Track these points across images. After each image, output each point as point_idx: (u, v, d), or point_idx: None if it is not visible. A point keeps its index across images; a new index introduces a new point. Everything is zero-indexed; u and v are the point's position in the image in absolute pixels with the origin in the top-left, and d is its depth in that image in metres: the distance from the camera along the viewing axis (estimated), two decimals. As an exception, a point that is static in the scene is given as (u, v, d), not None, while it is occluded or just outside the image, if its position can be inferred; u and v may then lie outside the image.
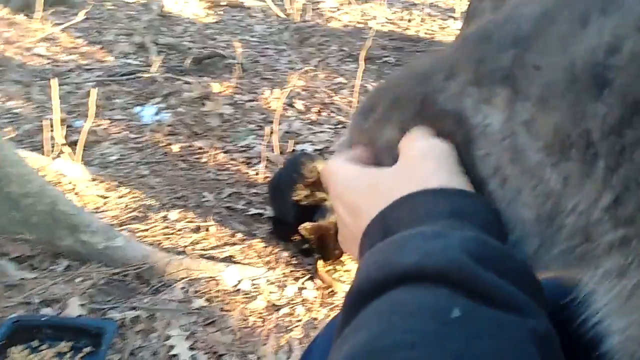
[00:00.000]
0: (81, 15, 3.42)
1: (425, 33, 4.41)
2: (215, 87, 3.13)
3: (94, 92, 2.33)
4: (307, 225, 1.79)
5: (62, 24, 3.88)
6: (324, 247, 1.86)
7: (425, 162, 0.42)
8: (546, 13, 0.38)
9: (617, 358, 0.35)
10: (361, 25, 4.50)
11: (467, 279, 0.31)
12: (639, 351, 0.34)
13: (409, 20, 4.71)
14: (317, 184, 1.91)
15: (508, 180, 0.39)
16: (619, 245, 0.34)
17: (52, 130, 2.28)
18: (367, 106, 0.53)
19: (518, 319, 0.30)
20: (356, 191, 0.46)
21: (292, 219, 1.92)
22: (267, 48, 3.96)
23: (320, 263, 1.90)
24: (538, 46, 0.37)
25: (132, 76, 3.27)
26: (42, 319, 1.43)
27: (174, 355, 1.46)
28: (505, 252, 0.35)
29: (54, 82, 2.26)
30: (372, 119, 0.50)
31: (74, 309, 1.51)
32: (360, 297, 0.33)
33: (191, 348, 1.49)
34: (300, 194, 1.90)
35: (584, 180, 0.35)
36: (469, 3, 2.98)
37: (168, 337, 1.51)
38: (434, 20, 4.72)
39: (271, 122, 2.57)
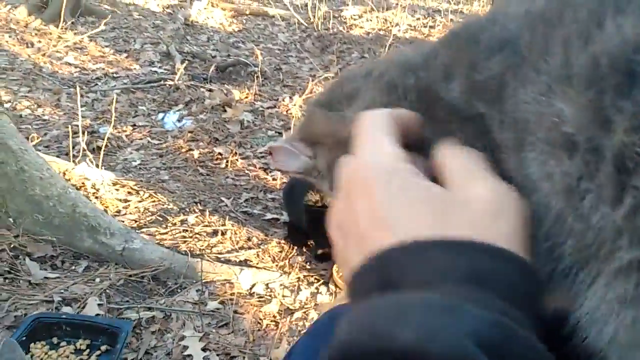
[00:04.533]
0: (102, 25, 3.52)
1: (448, 40, 4.39)
2: (237, 94, 3.18)
3: (115, 99, 2.40)
4: None
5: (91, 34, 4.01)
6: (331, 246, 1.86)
7: (496, 218, 0.33)
8: (539, 14, 0.37)
9: None
10: (383, 32, 4.51)
11: None
12: None
13: (432, 27, 4.71)
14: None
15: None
16: (628, 268, 0.30)
17: (77, 136, 2.35)
18: (345, 94, 0.49)
19: None
20: (402, 195, 0.35)
21: (305, 224, 1.93)
22: (289, 56, 4.01)
23: (335, 268, 1.91)
24: (536, 48, 0.36)
25: (157, 84, 3.36)
26: (62, 317, 1.48)
27: (188, 356, 1.49)
28: (526, 343, 0.28)
29: (79, 90, 2.34)
30: (357, 106, 0.46)
31: (93, 308, 1.56)
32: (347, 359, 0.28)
33: (204, 349, 1.51)
34: (312, 199, 1.92)
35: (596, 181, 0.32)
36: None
37: (182, 338, 1.53)
38: (457, 27, 4.70)
39: (290, 128, 2.60)
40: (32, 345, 1.40)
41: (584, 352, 0.33)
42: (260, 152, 2.65)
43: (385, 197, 0.35)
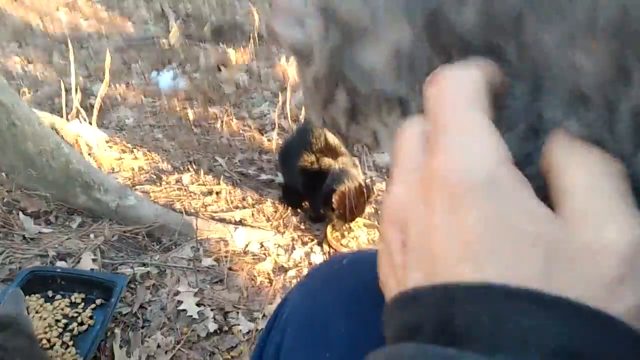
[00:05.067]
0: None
1: None
2: (232, 54, 3.13)
3: (109, 57, 2.36)
4: (336, 196, 1.79)
5: (82, -11, 3.91)
6: (343, 214, 1.86)
7: (626, 281, 0.24)
8: None
9: None
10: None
11: None
12: None
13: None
14: (324, 151, 1.92)
15: None
16: None
17: (70, 94, 2.32)
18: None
19: None
20: (502, 222, 0.25)
21: (300, 185, 1.93)
22: (286, 16, 3.93)
23: (329, 229, 1.92)
24: None
25: (150, 42, 3.29)
26: (57, 270, 1.48)
27: (182, 310, 1.50)
28: None
29: (72, 47, 2.29)
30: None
31: (87, 263, 1.57)
32: None
33: (199, 304, 1.53)
34: (307, 160, 1.91)
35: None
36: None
37: (177, 293, 1.55)
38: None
39: (286, 89, 2.57)
40: (27, 297, 1.41)
41: None
42: (256, 113, 2.62)
43: (479, 219, 0.25)
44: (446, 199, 0.26)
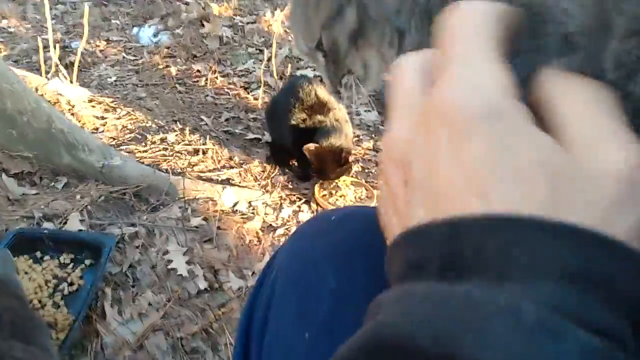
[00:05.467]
0: None
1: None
2: (215, 8, 3.03)
3: (88, 12, 2.27)
4: (311, 146, 1.79)
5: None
6: (323, 169, 1.87)
7: (629, 203, 0.24)
8: None
9: None
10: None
11: None
12: None
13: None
14: (314, 107, 1.90)
15: None
16: None
17: (48, 50, 2.24)
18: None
19: None
20: (506, 153, 0.25)
21: (290, 143, 1.92)
22: (270, -32, 3.80)
23: (317, 187, 1.93)
24: None
25: (129, -4, 3.17)
26: (44, 231, 1.47)
27: (172, 269, 1.51)
28: None
29: (47, 1, 2.19)
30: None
31: (74, 223, 1.56)
32: (388, 350, 0.22)
33: (188, 262, 1.54)
34: (297, 117, 1.89)
35: None
36: None
37: (166, 252, 1.56)
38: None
39: (272, 45, 2.51)
40: (15, 259, 1.40)
41: None
42: (241, 70, 2.57)
43: (483, 151, 0.25)
44: (448, 132, 0.26)
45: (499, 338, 0.20)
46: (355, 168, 2.04)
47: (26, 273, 1.38)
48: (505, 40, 0.28)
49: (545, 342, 0.20)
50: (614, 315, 0.22)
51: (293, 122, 1.90)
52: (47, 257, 1.44)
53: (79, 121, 2.04)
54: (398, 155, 0.29)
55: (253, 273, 1.56)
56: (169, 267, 1.52)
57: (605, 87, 0.28)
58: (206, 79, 2.46)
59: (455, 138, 0.26)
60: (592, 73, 0.29)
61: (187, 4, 3.07)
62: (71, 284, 1.38)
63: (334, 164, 1.86)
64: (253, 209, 1.82)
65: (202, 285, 1.48)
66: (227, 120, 2.24)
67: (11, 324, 0.90)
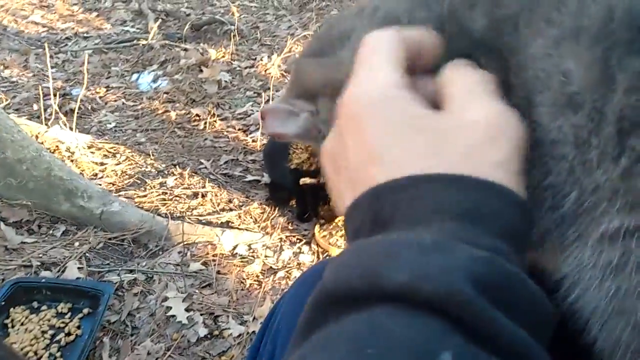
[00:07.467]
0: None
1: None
2: (213, 53, 3.10)
3: (88, 59, 2.32)
4: (307, 180, 1.79)
5: (57, -10, 3.84)
6: (316, 205, 1.87)
7: (492, 144, 0.31)
8: None
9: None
10: (362, -10, 4.41)
11: (468, 316, 0.25)
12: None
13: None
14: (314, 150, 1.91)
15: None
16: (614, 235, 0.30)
17: (49, 98, 2.28)
18: (337, 36, 0.43)
19: None
20: (392, 126, 0.32)
21: (290, 184, 1.92)
22: (267, 13, 3.90)
23: (317, 228, 1.92)
24: None
25: (129, 43, 3.24)
26: (42, 281, 1.46)
27: (172, 316, 1.49)
28: (519, 280, 0.27)
29: (48, 50, 2.25)
30: (352, 45, 0.41)
31: (73, 271, 1.54)
32: (333, 300, 0.27)
33: (188, 309, 1.52)
34: (300, 157, 1.90)
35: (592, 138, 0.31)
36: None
37: (165, 299, 1.54)
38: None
39: (269, 88, 2.55)
40: (11, 309, 1.38)
41: (567, 309, 0.33)
42: (239, 114, 2.60)
43: (374, 129, 0.32)
44: (350, 121, 0.34)
45: (406, 261, 0.26)
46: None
47: (22, 324, 1.36)
48: (407, 58, 0.35)
49: (441, 255, 0.26)
50: (497, 239, 0.28)
51: (294, 163, 1.90)
52: (44, 307, 1.42)
53: (79, 168, 2.05)
54: (328, 155, 0.37)
55: (254, 318, 1.53)
56: (168, 314, 1.50)
57: (490, 73, 0.34)
58: (205, 123, 2.49)
59: (355, 124, 0.33)
60: (592, 131, 0.31)
61: (185, 49, 3.14)
62: (68, 334, 1.35)
63: (328, 202, 1.86)
64: (253, 252, 1.81)
65: (202, 332, 1.45)
66: (226, 162, 2.25)
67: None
